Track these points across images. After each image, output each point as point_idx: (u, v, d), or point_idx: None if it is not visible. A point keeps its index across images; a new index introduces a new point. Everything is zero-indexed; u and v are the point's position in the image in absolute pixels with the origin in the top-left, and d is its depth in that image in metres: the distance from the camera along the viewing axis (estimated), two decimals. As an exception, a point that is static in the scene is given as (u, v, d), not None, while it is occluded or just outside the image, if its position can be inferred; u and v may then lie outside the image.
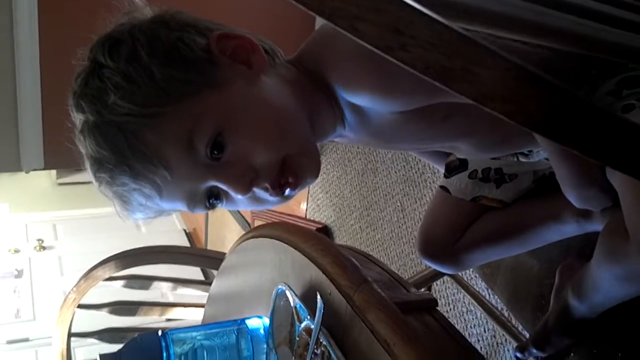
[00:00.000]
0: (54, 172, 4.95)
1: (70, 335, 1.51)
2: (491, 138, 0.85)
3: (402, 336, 0.58)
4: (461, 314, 1.91)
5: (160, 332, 0.81)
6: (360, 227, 2.55)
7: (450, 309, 1.95)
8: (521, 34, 0.49)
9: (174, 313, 1.61)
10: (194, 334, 0.83)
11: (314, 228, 2.81)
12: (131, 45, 0.69)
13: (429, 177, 2.14)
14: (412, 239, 2.22)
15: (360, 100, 0.74)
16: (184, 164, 0.70)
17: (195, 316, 1.57)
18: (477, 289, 1.47)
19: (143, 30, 0.71)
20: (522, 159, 0.91)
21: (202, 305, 1.40)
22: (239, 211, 3.71)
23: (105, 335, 1.57)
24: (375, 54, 0.34)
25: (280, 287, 0.74)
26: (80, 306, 1.48)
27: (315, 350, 0.66)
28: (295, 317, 0.70)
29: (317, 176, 0.76)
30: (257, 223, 3.30)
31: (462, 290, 1.44)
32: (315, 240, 0.73)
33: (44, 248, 4.49)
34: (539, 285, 0.99)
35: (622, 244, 0.67)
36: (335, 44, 0.73)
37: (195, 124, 0.69)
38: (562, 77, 0.70)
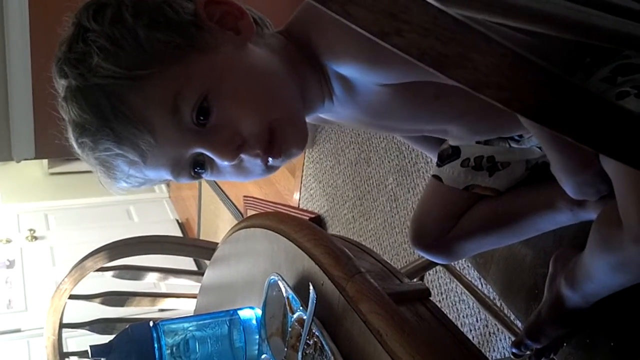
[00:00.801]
0: (45, 161, 4.93)
1: (62, 325, 1.50)
2: (483, 119, 0.84)
3: (395, 327, 0.58)
4: (453, 303, 1.91)
5: (151, 323, 0.80)
6: (353, 216, 2.54)
7: (442, 299, 1.95)
8: (516, 19, 0.49)
9: (166, 303, 1.60)
10: (186, 324, 0.82)
11: (307, 218, 2.81)
12: (116, 7, 0.68)
13: (422, 166, 2.13)
14: (404, 228, 2.22)
15: (347, 70, 0.73)
16: (168, 129, 0.69)
17: (187, 306, 1.57)
18: (470, 279, 1.47)
19: None
20: (513, 145, 0.91)
21: (194, 296, 1.40)
22: (231, 201, 3.70)
23: (96, 326, 1.56)
24: None
25: (272, 277, 0.73)
26: (71, 297, 1.48)
27: (308, 341, 0.66)
28: (288, 307, 0.70)
29: (302, 148, 0.75)
30: (250, 212, 3.29)
31: (455, 280, 1.44)
32: (308, 230, 0.72)
33: (36, 238, 4.48)
34: (532, 275, 0.98)
35: (616, 233, 0.67)
36: (322, 12, 0.72)
37: (181, 87, 0.68)
38: (557, 64, 0.70)
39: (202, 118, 0.69)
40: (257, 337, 0.80)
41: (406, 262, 2.10)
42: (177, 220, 4.87)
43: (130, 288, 1.60)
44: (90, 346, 0.79)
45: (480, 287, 1.47)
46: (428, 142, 1.01)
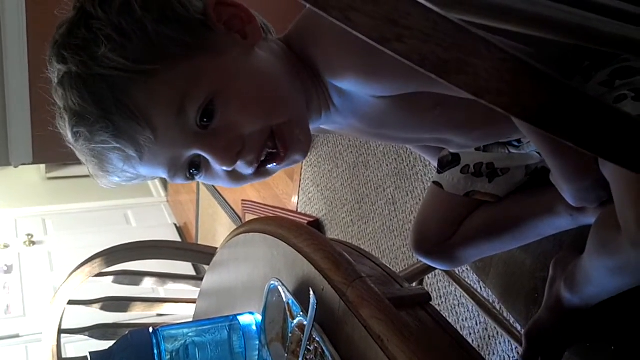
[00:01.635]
0: (43, 166, 4.93)
1: (61, 331, 1.49)
2: (481, 128, 0.84)
3: (396, 332, 0.57)
4: (453, 307, 1.91)
5: (151, 329, 0.80)
6: (351, 220, 2.54)
7: (442, 302, 1.95)
8: (515, 24, 0.49)
9: (165, 309, 1.60)
10: (186, 330, 0.82)
11: (306, 221, 2.81)
12: None
13: (420, 170, 2.13)
14: (403, 232, 2.22)
15: (344, 83, 0.73)
16: (171, 128, 0.68)
17: (186, 312, 1.56)
18: (469, 282, 1.47)
19: None
20: (512, 151, 0.91)
21: (193, 301, 1.40)
22: (229, 205, 3.70)
23: (96, 331, 1.55)
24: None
25: (272, 282, 0.73)
26: (70, 302, 1.47)
27: (308, 347, 0.65)
28: (288, 313, 0.69)
29: (305, 153, 0.75)
30: (248, 217, 3.29)
31: (454, 284, 1.44)
32: (307, 235, 0.72)
33: (34, 243, 4.47)
34: (532, 279, 0.98)
35: (614, 236, 0.67)
36: (320, 24, 0.72)
37: (189, 88, 0.67)
38: (555, 68, 0.70)
39: (205, 120, 0.68)
40: (257, 342, 0.80)
41: (405, 265, 2.10)
42: (175, 225, 4.86)
43: (129, 293, 1.60)
44: (90, 353, 0.79)
45: (479, 290, 1.47)
46: (429, 148, 1.01)
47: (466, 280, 1.47)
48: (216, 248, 1.14)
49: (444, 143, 0.89)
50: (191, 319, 1.21)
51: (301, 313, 0.67)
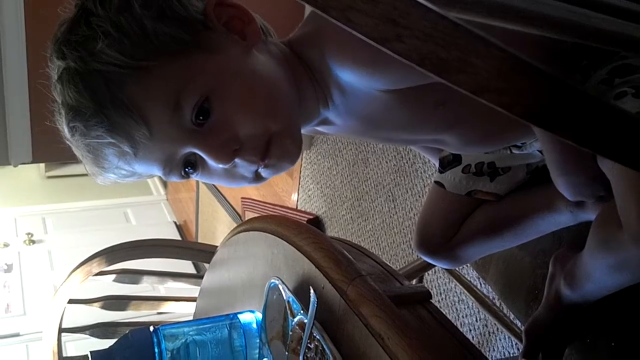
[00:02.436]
0: (42, 165, 4.93)
1: (61, 330, 1.50)
2: (482, 131, 0.84)
3: (396, 330, 0.58)
4: (453, 303, 1.92)
5: (151, 328, 0.80)
6: (351, 217, 2.54)
7: (442, 299, 1.96)
8: (516, 23, 0.49)
9: (165, 307, 1.60)
10: (186, 329, 0.82)
11: (305, 219, 2.81)
12: None
13: (420, 167, 2.13)
14: (403, 229, 2.22)
15: (349, 74, 0.73)
16: (166, 124, 0.68)
17: (187, 310, 1.56)
18: (469, 279, 1.47)
19: None
20: (515, 152, 0.91)
21: (193, 299, 1.40)
22: (229, 202, 3.70)
23: (96, 330, 1.56)
24: None
25: (272, 281, 0.73)
26: (71, 301, 1.47)
27: (309, 345, 0.66)
28: (288, 311, 0.70)
29: (295, 162, 0.75)
30: (248, 214, 3.29)
31: (454, 280, 1.44)
32: (307, 233, 0.72)
33: (34, 242, 4.47)
34: (532, 276, 0.99)
35: (615, 233, 0.67)
36: (326, 20, 0.72)
37: (185, 85, 0.67)
38: (554, 67, 0.70)
39: (201, 118, 0.68)
40: (258, 341, 0.80)
41: (405, 262, 2.10)
42: (175, 223, 4.86)
43: (129, 292, 1.60)
44: (91, 352, 0.79)
45: (479, 287, 1.47)
46: (428, 147, 1.02)
47: (466, 277, 1.47)
48: (216, 246, 1.14)
49: (442, 144, 0.89)
50: (191, 318, 1.21)
51: (301, 311, 0.67)
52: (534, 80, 0.37)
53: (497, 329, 1.74)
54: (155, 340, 0.79)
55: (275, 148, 0.72)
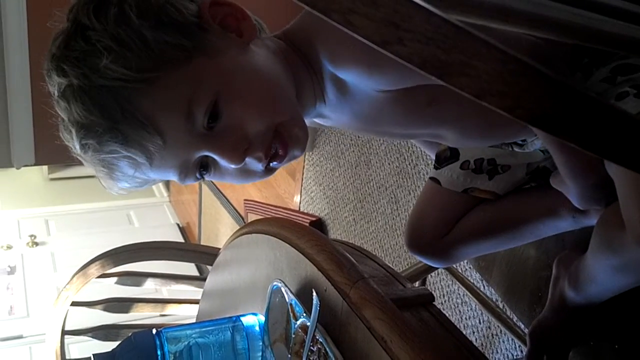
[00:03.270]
0: (45, 167, 4.92)
1: (64, 332, 1.50)
2: (478, 127, 0.83)
3: (399, 333, 0.57)
4: (456, 305, 1.91)
5: (154, 331, 0.80)
6: (354, 219, 2.54)
7: (444, 301, 1.95)
8: (518, 25, 0.48)
9: (168, 309, 1.60)
10: (189, 331, 0.82)
11: (308, 221, 2.81)
12: (119, 6, 0.66)
13: (422, 168, 2.13)
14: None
15: (346, 74, 0.73)
16: (180, 133, 0.68)
17: (189, 312, 1.56)
18: (472, 281, 1.47)
19: None
20: (516, 149, 0.91)
21: (196, 302, 1.40)
22: (232, 204, 3.70)
23: (99, 332, 1.56)
24: None
25: (275, 283, 0.73)
26: (73, 303, 1.47)
27: (312, 347, 0.65)
28: (291, 314, 0.69)
29: (304, 149, 0.75)
30: (251, 216, 3.29)
31: (457, 282, 1.44)
32: (310, 236, 0.72)
33: (37, 244, 4.47)
34: (535, 278, 0.98)
35: (618, 235, 0.67)
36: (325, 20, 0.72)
37: (193, 92, 0.67)
38: (561, 64, 0.70)
39: (211, 122, 0.69)
40: (261, 343, 0.80)
41: (408, 264, 2.10)
42: (178, 225, 4.86)
43: (132, 294, 1.60)
44: (94, 354, 0.79)
45: (482, 289, 1.46)
46: (428, 142, 1.01)
47: (469, 278, 1.47)
48: (219, 249, 1.14)
49: (440, 139, 0.88)
50: (194, 320, 1.21)
51: (304, 314, 0.67)
52: (536, 82, 0.37)
53: (501, 331, 1.73)
54: (158, 342, 0.79)
55: (285, 138, 0.72)
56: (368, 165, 2.44)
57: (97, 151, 0.69)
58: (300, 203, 3.00)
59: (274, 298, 0.74)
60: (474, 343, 1.43)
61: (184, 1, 0.70)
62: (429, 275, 1.91)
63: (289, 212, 3.03)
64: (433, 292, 0.94)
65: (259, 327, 0.81)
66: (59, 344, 1.50)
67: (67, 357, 1.54)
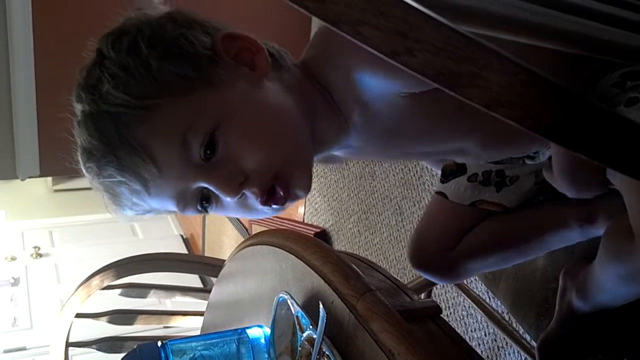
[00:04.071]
0: (49, 179, 4.94)
1: (68, 344, 1.49)
2: (499, 133, 0.82)
3: (407, 346, 0.57)
4: (461, 317, 1.90)
5: (159, 343, 0.79)
6: (358, 230, 2.54)
7: (450, 313, 1.94)
8: (525, 36, 0.48)
9: (172, 321, 1.59)
10: (194, 344, 0.81)
11: (312, 232, 2.80)
12: (133, 37, 0.69)
13: (427, 180, 2.13)
14: (411, 242, 2.20)
15: (375, 81, 0.72)
16: (174, 162, 0.68)
17: (194, 324, 1.56)
18: (478, 293, 1.46)
19: (150, 24, 0.70)
20: (528, 162, 0.90)
21: (201, 314, 1.39)
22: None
23: (103, 344, 1.55)
24: None
25: (281, 295, 0.73)
26: (77, 315, 1.47)
27: (318, 360, 0.65)
28: (297, 326, 0.69)
29: (307, 191, 0.74)
30: (255, 228, 3.28)
31: (463, 294, 1.43)
32: (316, 247, 0.71)
33: (41, 255, 4.47)
34: (542, 290, 0.98)
35: (626, 244, 0.67)
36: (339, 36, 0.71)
37: (191, 122, 0.67)
38: (567, 76, 0.69)
39: (208, 153, 0.68)
40: (266, 356, 0.80)
41: (413, 276, 2.09)
42: (182, 236, 4.86)
43: (136, 306, 1.60)
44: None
45: (488, 301, 1.46)
46: (438, 161, 1.00)
47: (474, 290, 1.46)
48: (223, 260, 1.14)
49: (460, 154, 0.87)
50: (199, 332, 1.21)
51: (310, 326, 0.66)
52: (546, 93, 0.37)
53: (507, 343, 1.72)
54: (163, 355, 0.78)
55: (284, 182, 0.71)
56: (372, 177, 2.44)
57: (97, 175, 0.71)
58: (304, 214, 3.00)
59: (279, 310, 0.74)
60: (481, 355, 1.42)
61: (199, 34, 0.71)
62: (435, 287, 1.90)
63: (293, 223, 3.03)
64: (439, 304, 0.93)
65: (265, 340, 0.81)
66: (63, 356, 1.49)
67: (71, 370, 1.53)
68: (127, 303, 1.58)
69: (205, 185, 0.71)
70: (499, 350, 1.75)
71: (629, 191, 0.65)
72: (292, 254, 0.75)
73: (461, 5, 0.43)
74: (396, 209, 2.28)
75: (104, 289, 1.47)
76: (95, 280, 1.45)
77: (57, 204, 4.97)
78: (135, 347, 0.81)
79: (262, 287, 0.86)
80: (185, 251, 4.56)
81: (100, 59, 0.69)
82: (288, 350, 0.73)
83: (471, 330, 1.86)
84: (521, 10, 0.47)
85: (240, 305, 0.97)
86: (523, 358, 1.65)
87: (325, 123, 0.75)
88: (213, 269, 1.49)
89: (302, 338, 0.68)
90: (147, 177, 0.69)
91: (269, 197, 0.71)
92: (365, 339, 0.60)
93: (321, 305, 0.64)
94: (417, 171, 2.18)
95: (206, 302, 1.19)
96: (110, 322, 1.55)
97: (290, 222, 3.06)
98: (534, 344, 0.93)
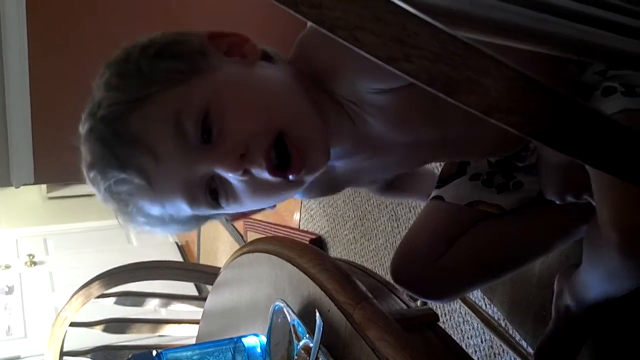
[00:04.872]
0: (44, 186, 4.91)
1: (63, 354, 1.48)
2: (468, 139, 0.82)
3: (404, 354, 0.57)
4: (457, 324, 1.90)
5: (154, 352, 0.79)
6: (354, 237, 2.53)
7: (446, 320, 1.94)
8: (521, 41, 0.48)
9: (167, 330, 1.59)
10: (189, 353, 0.81)
11: (308, 239, 2.80)
12: (126, 50, 0.71)
13: (422, 186, 2.13)
14: (406, 249, 2.20)
15: (379, 84, 0.72)
16: (171, 148, 0.67)
17: (189, 332, 1.55)
18: (474, 300, 1.46)
19: (141, 40, 0.72)
20: (518, 164, 0.89)
21: (196, 322, 1.38)
22: (231, 223, 3.69)
23: (98, 353, 1.54)
24: None
25: (277, 303, 0.72)
26: (72, 324, 1.46)
27: (315, 369, 0.64)
28: (293, 334, 0.68)
29: (324, 154, 0.71)
30: (250, 235, 3.27)
31: (459, 301, 1.42)
32: (312, 255, 0.71)
33: (35, 263, 4.45)
34: (539, 297, 0.98)
35: (600, 245, 0.69)
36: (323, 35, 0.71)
37: (183, 105, 0.67)
38: (552, 66, 0.69)
39: (205, 135, 0.67)
40: (262, 364, 0.79)
41: (409, 282, 2.08)
42: (177, 243, 4.85)
43: (131, 314, 1.59)
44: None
45: (484, 307, 1.45)
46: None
47: (470, 297, 1.46)
48: (219, 268, 1.13)
49: (474, 144, 0.84)
50: (194, 340, 1.20)
51: (307, 335, 0.66)
52: (544, 99, 0.37)
53: (503, 350, 1.72)
54: (158, 364, 0.78)
55: (291, 141, 0.68)
56: (368, 183, 2.43)
57: (103, 181, 0.71)
58: (300, 221, 2.99)
59: (275, 318, 0.73)
60: (477, 362, 1.42)
61: (190, 37, 0.72)
62: (431, 294, 1.90)
63: (288, 230, 3.02)
64: (434, 310, 0.93)
65: (261, 348, 0.80)
66: (58, 366, 1.49)
67: (65, 379, 1.52)
68: (122, 311, 1.57)
69: (207, 167, 0.68)
70: (495, 357, 1.74)
71: (596, 193, 0.67)
72: (288, 262, 0.74)
73: (457, 11, 0.43)
74: (392, 215, 2.28)
75: (98, 297, 1.46)
76: (90, 289, 1.44)
77: (52, 212, 4.95)
78: (130, 356, 0.81)
79: (258, 295, 0.86)
80: (180, 258, 4.54)
81: (96, 80, 0.71)
82: (284, 358, 0.72)
83: (467, 337, 1.85)
84: (522, 17, 0.47)
85: (236, 313, 0.97)
86: (520, 364, 1.64)
87: (326, 106, 0.74)
88: (208, 276, 1.48)
89: (299, 347, 0.67)
90: (146, 168, 0.68)
91: (279, 166, 0.68)
92: (362, 348, 0.60)
93: (317, 314, 0.63)
94: (412, 177, 2.18)
95: (202, 310, 1.19)
96: (105, 330, 1.54)
97: (285, 229, 3.05)
98: (530, 350, 0.93)
